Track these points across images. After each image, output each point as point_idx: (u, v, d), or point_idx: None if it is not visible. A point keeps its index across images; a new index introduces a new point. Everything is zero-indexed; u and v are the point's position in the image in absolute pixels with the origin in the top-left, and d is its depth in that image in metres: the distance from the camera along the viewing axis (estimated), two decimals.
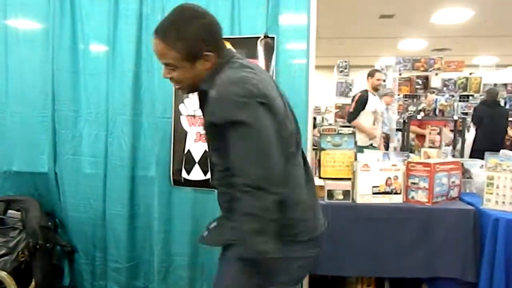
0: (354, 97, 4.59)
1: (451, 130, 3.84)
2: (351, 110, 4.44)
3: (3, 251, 2.02)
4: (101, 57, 2.27)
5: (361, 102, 4.38)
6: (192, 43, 1.16)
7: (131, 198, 2.29)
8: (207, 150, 1.34)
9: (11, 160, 2.33)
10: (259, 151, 1.09)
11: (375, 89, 4.44)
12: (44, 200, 2.33)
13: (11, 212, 2.19)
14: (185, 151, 2.21)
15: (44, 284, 2.11)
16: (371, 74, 4.58)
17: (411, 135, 3.99)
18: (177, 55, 1.15)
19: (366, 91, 4.51)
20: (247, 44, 2.14)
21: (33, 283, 2.05)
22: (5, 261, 1.99)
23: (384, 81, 7.25)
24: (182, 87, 1.23)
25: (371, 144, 4.36)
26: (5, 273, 1.88)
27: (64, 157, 2.30)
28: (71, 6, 2.24)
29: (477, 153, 4.15)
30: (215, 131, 1.17)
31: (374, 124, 4.28)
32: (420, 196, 2.00)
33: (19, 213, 2.18)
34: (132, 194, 2.28)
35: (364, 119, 4.31)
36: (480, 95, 6.51)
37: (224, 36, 2.11)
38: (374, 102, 4.38)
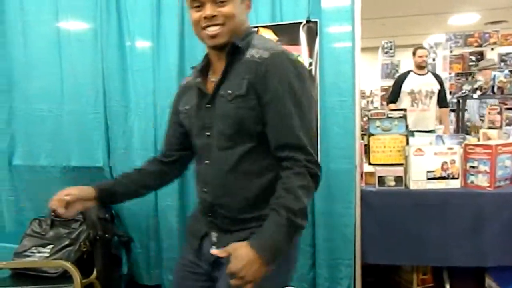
0: None
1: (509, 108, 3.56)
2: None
3: (66, 242, 2.15)
4: (146, 53, 2.33)
5: (396, 84, 4.25)
6: None
7: (181, 189, 2.34)
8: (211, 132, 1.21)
9: (69, 156, 2.45)
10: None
11: (419, 67, 4.20)
12: None
13: None
14: None
15: (104, 273, 2.22)
16: (413, 52, 4.36)
17: None
18: None
19: (408, 71, 4.32)
20: (289, 31, 2.10)
21: (94, 272, 2.17)
22: (69, 252, 2.11)
23: (434, 59, 6.88)
24: (224, 29, 1.08)
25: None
26: (69, 263, 2.00)
27: (117, 151, 2.40)
28: (117, 4, 2.30)
29: None
30: (248, 99, 1.08)
31: (412, 105, 4.05)
32: (481, 181, 1.88)
33: None
34: (181, 185, 2.33)
35: (402, 101, 4.14)
36: None
37: (265, 24, 2.13)
38: (413, 82, 4.14)
